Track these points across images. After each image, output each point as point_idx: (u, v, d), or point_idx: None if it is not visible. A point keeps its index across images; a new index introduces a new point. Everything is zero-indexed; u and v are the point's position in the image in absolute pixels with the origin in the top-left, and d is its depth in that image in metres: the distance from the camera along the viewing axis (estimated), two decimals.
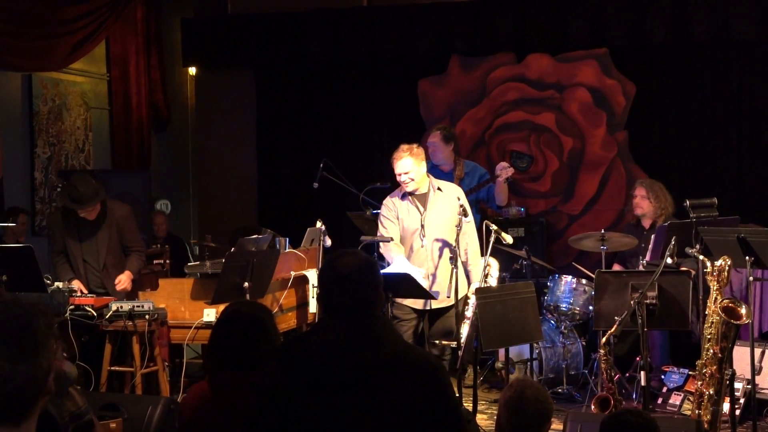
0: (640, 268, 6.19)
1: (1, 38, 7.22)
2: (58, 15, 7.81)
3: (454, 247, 5.51)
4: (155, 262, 7.61)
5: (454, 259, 5.47)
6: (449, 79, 8.84)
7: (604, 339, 4.96)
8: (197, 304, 5.78)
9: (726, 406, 5.04)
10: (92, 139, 8.76)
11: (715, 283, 4.83)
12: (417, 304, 5.75)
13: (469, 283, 5.71)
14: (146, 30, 9.15)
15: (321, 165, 7.18)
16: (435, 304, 5.73)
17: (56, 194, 6.10)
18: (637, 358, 6.33)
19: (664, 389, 6.35)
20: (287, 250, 6.53)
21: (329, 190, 7.50)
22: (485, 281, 5.48)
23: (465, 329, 5.41)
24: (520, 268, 7.01)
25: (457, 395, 5.14)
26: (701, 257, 5.08)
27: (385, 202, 5.95)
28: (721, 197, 6.24)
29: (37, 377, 1.87)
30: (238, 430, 2.45)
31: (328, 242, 6.47)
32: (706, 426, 4.74)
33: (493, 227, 5.57)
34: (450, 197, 5.70)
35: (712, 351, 4.80)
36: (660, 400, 6.28)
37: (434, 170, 6.62)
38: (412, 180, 5.66)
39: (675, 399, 6.20)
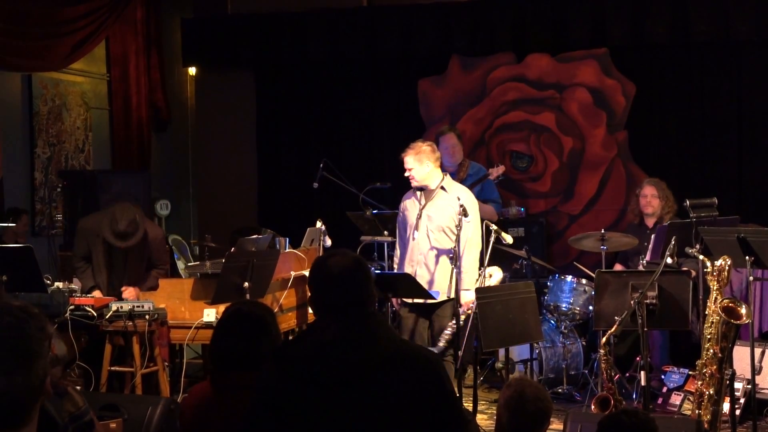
0: (641, 267, 6.20)
1: (1, 38, 7.22)
2: (58, 15, 7.82)
3: (455, 247, 5.52)
4: None
5: (454, 259, 5.47)
6: (449, 79, 8.84)
7: (604, 339, 4.96)
8: (197, 304, 5.78)
9: (726, 406, 5.04)
10: (92, 139, 8.77)
11: (715, 283, 4.83)
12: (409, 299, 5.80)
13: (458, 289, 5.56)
14: (146, 30, 9.16)
15: (321, 165, 7.18)
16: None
17: (102, 222, 5.99)
18: (637, 358, 6.33)
19: (664, 389, 6.36)
20: (287, 250, 6.53)
21: (329, 190, 7.50)
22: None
23: (448, 331, 5.48)
24: (520, 268, 7.02)
25: (457, 395, 5.14)
26: (701, 257, 5.08)
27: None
28: (721, 197, 6.24)
29: (34, 386, 1.86)
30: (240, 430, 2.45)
31: (328, 242, 6.47)
32: (706, 426, 4.74)
33: (493, 227, 5.59)
34: (451, 197, 5.71)
35: (712, 351, 4.80)
36: (660, 400, 6.28)
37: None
38: (414, 178, 5.76)
39: (675, 399, 6.20)
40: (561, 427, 4.45)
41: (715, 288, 4.83)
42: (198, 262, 6.68)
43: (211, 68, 9.64)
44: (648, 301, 5.00)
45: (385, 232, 6.88)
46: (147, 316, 5.63)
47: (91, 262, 6.12)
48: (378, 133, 9.05)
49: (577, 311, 6.77)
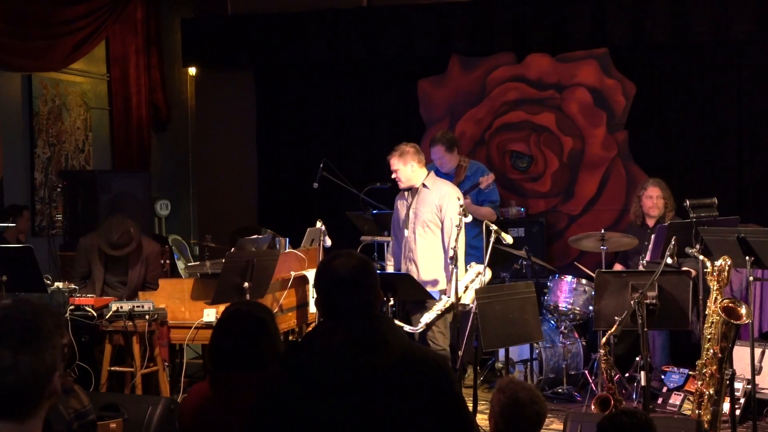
0: (641, 267, 6.19)
1: (1, 38, 7.23)
2: (58, 15, 7.82)
3: (455, 247, 5.55)
4: None
5: (454, 259, 5.49)
6: (449, 79, 8.84)
7: (604, 339, 4.96)
8: (197, 304, 5.78)
9: (726, 406, 5.04)
10: (92, 140, 8.77)
11: (715, 283, 4.83)
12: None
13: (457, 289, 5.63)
14: (146, 30, 9.16)
15: (321, 165, 7.18)
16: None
17: (99, 233, 6.28)
18: (637, 358, 6.33)
19: (664, 389, 6.36)
20: (287, 250, 6.53)
21: (329, 190, 7.50)
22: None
23: (426, 317, 5.60)
24: (520, 268, 7.01)
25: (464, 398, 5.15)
26: (701, 257, 5.08)
27: None
28: (721, 197, 6.24)
29: (40, 372, 1.86)
30: (240, 430, 2.44)
31: (328, 242, 6.47)
32: (706, 426, 4.74)
33: (493, 227, 5.59)
34: (432, 193, 5.93)
35: (712, 351, 4.80)
36: (660, 400, 6.28)
37: (437, 173, 6.67)
38: (399, 179, 6.01)
39: (675, 399, 6.20)
40: (561, 427, 4.45)
41: (715, 288, 4.83)
42: (198, 262, 6.68)
43: (211, 68, 9.64)
44: (648, 301, 5.00)
45: (385, 232, 6.89)
46: (147, 316, 5.63)
47: (90, 278, 6.28)
48: (378, 133, 9.04)
49: (577, 311, 6.76)
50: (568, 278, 6.84)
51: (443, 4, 8.65)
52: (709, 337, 4.82)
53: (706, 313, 4.93)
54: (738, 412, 5.59)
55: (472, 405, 5.30)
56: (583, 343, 6.90)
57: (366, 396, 2.27)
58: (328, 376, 2.27)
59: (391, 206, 7.27)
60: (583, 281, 6.79)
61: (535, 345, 6.48)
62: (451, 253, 5.60)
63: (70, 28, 7.93)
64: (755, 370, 5.32)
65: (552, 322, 6.89)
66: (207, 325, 5.59)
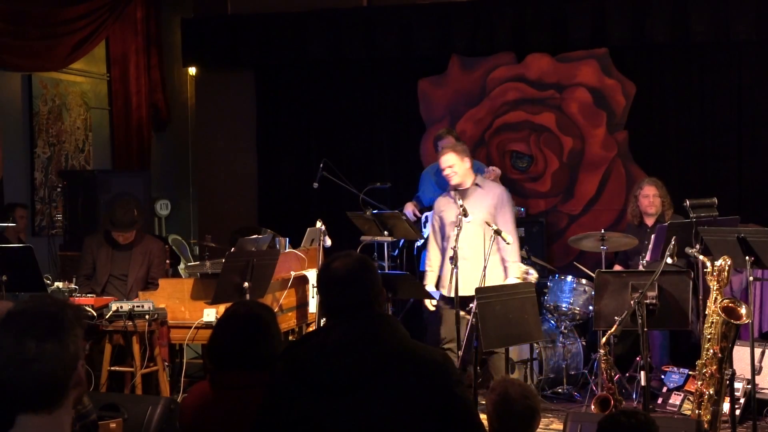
0: (641, 267, 6.19)
1: (1, 38, 7.23)
2: (58, 15, 7.82)
3: (455, 246, 5.55)
4: None
5: (454, 259, 5.49)
6: (449, 79, 8.83)
7: (604, 339, 4.96)
8: (197, 304, 5.78)
9: (726, 406, 5.04)
10: (92, 139, 8.77)
11: (715, 283, 4.83)
12: (444, 290, 5.92)
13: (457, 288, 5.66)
14: (146, 30, 9.15)
15: (321, 165, 7.18)
16: (462, 292, 5.66)
17: (103, 216, 6.34)
18: (637, 358, 6.33)
19: (664, 389, 6.36)
20: (287, 250, 6.53)
21: (329, 190, 7.50)
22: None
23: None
24: None
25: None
26: (701, 257, 5.08)
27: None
28: (721, 197, 6.24)
29: (65, 360, 1.90)
30: (240, 430, 2.45)
31: (328, 242, 6.48)
32: (706, 426, 4.74)
33: (494, 227, 5.60)
34: (486, 195, 5.90)
35: (712, 351, 4.80)
36: (660, 400, 6.28)
37: (437, 174, 6.66)
38: (456, 174, 5.88)
39: (675, 399, 6.20)
40: (561, 427, 4.45)
41: (715, 288, 4.83)
42: (198, 262, 6.68)
43: (211, 68, 9.63)
44: (648, 301, 5.00)
45: (385, 232, 6.87)
46: (147, 316, 5.63)
47: (93, 276, 6.27)
48: (378, 133, 9.05)
49: (577, 311, 6.77)
50: (568, 278, 6.84)
51: (443, 4, 8.65)
52: (709, 337, 4.82)
53: (706, 313, 4.93)
54: (738, 412, 5.60)
55: None
56: (583, 343, 6.90)
57: (362, 395, 2.27)
58: (320, 375, 2.29)
59: (391, 206, 7.28)
60: (583, 281, 6.79)
61: (535, 345, 6.48)
62: (450, 253, 5.60)
63: (70, 28, 7.92)
64: (755, 370, 5.32)
65: (552, 322, 6.89)
66: (207, 325, 5.59)
